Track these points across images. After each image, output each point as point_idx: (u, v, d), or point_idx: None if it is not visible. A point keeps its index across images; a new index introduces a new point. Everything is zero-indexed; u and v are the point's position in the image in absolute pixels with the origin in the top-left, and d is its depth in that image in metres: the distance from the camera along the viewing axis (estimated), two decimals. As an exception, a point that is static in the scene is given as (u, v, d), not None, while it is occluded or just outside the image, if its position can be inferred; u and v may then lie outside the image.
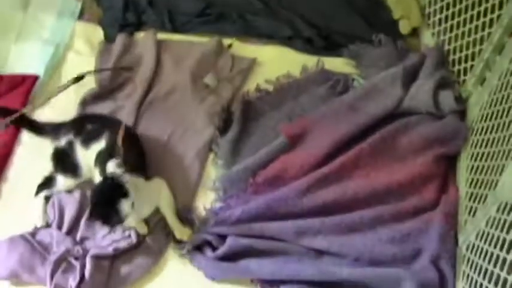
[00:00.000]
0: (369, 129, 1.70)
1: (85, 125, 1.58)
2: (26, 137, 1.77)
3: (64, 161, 1.57)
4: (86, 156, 1.54)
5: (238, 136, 1.76)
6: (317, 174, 1.59)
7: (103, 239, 1.52)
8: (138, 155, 1.62)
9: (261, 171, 1.64)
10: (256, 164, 1.66)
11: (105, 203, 1.33)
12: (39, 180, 1.62)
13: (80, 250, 1.48)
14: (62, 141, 1.57)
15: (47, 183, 1.61)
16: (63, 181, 1.58)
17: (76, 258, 1.47)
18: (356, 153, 1.64)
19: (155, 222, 1.57)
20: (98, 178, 1.48)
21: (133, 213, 1.37)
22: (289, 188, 1.57)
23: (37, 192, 1.61)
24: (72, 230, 1.56)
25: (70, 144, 1.56)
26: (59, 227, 1.55)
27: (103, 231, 1.54)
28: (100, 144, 1.52)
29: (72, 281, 1.42)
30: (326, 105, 1.78)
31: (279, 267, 1.46)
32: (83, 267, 1.45)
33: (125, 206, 1.33)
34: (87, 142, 1.54)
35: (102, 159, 1.49)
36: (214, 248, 1.51)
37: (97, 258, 1.47)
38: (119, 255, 1.51)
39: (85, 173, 1.57)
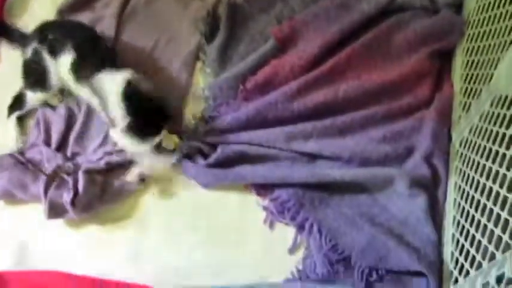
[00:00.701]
0: (362, 28, 1.63)
1: (47, 34, 1.49)
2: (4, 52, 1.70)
3: (32, 72, 1.51)
4: (55, 66, 1.48)
5: (226, 42, 1.69)
6: (307, 77, 1.54)
7: (94, 153, 1.51)
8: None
9: (251, 77, 1.59)
10: (245, 70, 1.60)
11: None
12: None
13: (71, 166, 1.48)
14: (29, 52, 1.49)
15: (17, 103, 1.57)
16: (32, 95, 1.54)
17: (68, 174, 1.47)
18: (348, 54, 1.58)
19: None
20: (74, 87, 1.48)
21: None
22: (279, 92, 1.53)
23: (9, 114, 1.57)
24: (61, 147, 1.54)
25: (36, 53, 1.48)
26: (47, 144, 1.53)
27: (94, 144, 1.53)
28: (70, 55, 1.45)
29: (67, 196, 1.41)
30: (317, 5, 1.69)
31: (271, 171, 1.46)
32: (76, 182, 1.44)
33: None
34: (53, 52, 1.47)
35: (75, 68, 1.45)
36: (205, 157, 1.50)
37: (89, 172, 1.46)
38: (112, 170, 1.50)
39: (54, 84, 1.51)
